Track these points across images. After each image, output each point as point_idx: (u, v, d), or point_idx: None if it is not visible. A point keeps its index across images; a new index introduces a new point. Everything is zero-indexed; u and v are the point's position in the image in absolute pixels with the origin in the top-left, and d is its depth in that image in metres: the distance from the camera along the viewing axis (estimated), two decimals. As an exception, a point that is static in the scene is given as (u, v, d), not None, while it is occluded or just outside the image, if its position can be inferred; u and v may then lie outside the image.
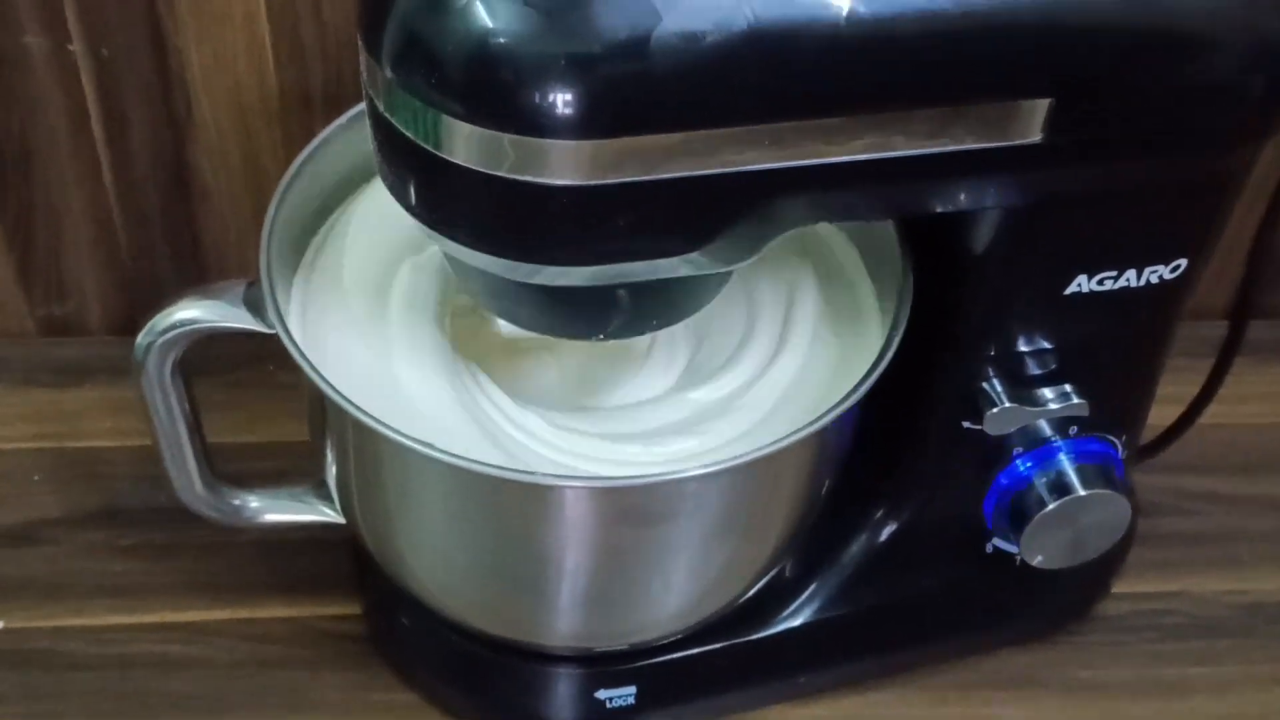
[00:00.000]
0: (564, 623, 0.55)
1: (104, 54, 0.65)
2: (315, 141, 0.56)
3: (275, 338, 0.51)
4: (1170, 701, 0.64)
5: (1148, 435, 0.66)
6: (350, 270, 0.56)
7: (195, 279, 0.75)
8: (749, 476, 0.49)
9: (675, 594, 0.54)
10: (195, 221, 0.73)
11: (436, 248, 0.51)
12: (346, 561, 0.66)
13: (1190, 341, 0.62)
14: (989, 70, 0.43)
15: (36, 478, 0.70)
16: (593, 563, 0.51)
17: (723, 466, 0.47)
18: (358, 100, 0.64)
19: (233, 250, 0.74)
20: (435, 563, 0.54)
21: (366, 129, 0.47)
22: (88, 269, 0.75)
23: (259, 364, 0.75)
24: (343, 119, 0.57)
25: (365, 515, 0.55)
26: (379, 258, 0.57)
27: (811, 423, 0.48)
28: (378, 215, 0.58)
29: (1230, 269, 0.69)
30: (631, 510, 0.49)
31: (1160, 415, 0.65)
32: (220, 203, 0.72)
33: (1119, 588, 0.68)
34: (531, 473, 0.47)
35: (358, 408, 0.48)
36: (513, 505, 0.49)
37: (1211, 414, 0.70)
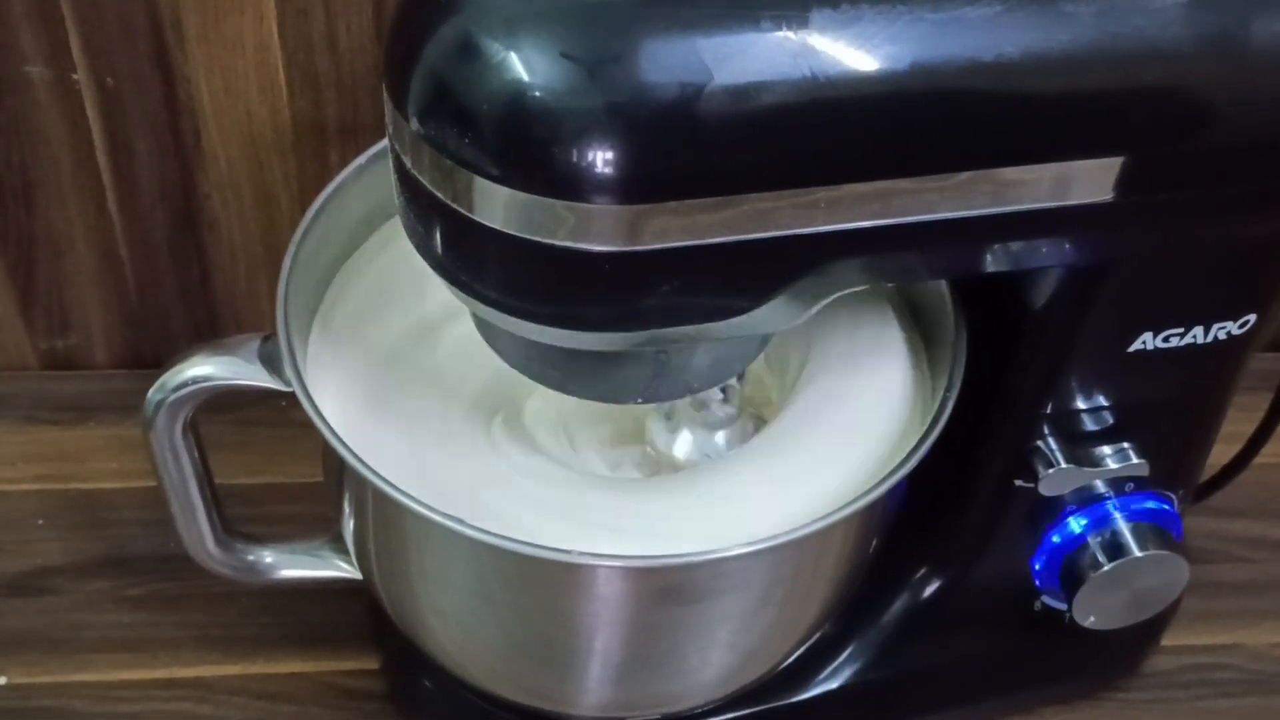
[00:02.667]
0: (594, 694, 0.52)
1: (109, 84, 0.63)
2: (331, 186, 0.53)
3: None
4: (1224, 764, 0.61)
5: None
6: (371, 317, 0.54)
7: (203, 312, 0.72)
8: (793, 554, 0.46)
9: (712, 665, 0.51)
10: (204, 254, 0.70)
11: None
12: (363, 613, 0.64)
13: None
14: (1061, 128, 0.40)
15: (40, 522, 0.68)
16: (626, 639, 0.48)
17: (765, 545, 0.44)
18: (374, 132, 0.62)
19: (243, 284, 0.71)
20: (459, 632, 0.52)
21: (385, 166, 0.44)
22: (92, 302, 0.72)
23: (272, 400, 0.72)
24: (361, 159, 0.54)
25: (384, 579, 0.53)
26: (401, 304, 0.54)
27: (861, 496, 0.45)
28: (400, 258, 0.55)
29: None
30: (667, 588, 0.46)
31: (1212, 454, 0.62)
32: (230, 235, 0.69)
33: (1169, 640, 0.65)
34: (565, 551, 0.44)
35: (380, 476, 0.45)
36: (543, 582, 0.46)
37: (1263, 454, 0.67)
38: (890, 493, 0.46)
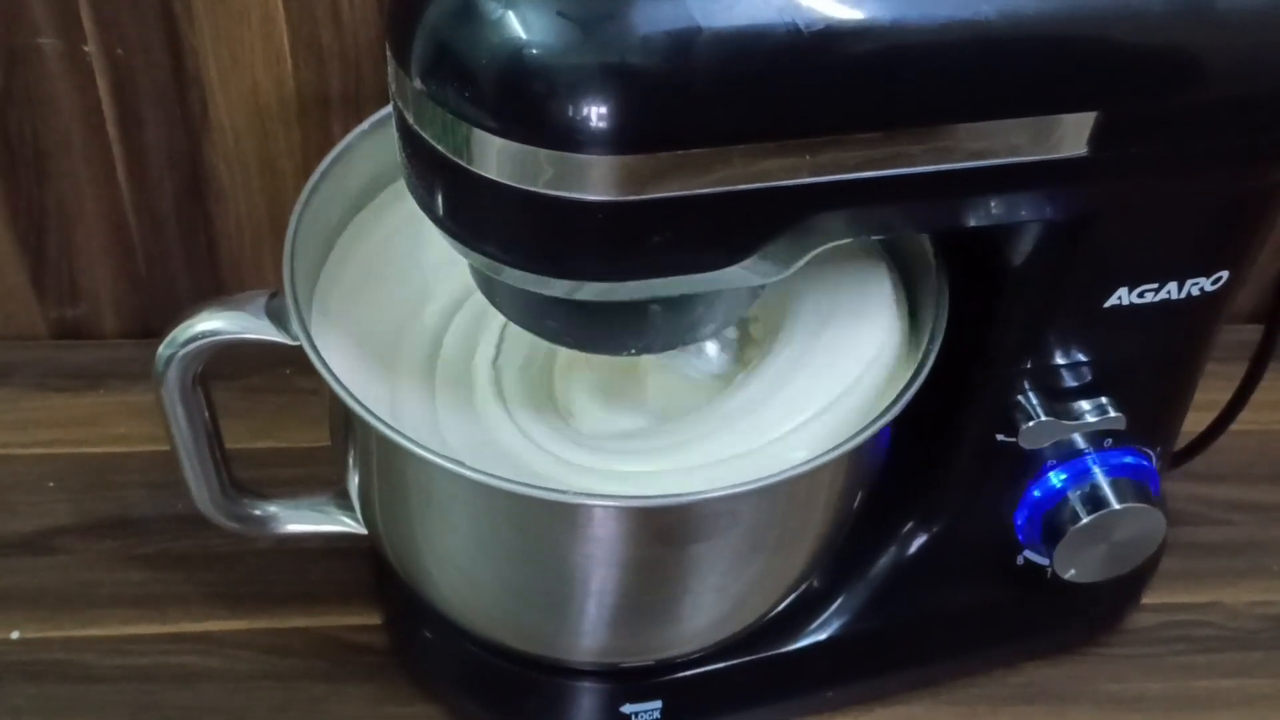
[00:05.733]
0: (590, 639, 0.54)
1: (119, 54, 0.64)
2: (336, 150, 0.55)
3: (296, 347, 0.50)
4: (1201, 715, 0.63)
5: (1177, 442, 0.65)
6: (375, 278, 0.55)
7: (210, 282, 0.74)
8: (781, 495, 0.48)
9: (704, 610, 0.53)
10: (211, 224, 0.72)
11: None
12: (366, 570, 0.65)
13: (1220, 346, 0.61)
14: (1036, 83, 0.42)
15: (50, 484, 0.69)
16: (620, 580, 0.50)
17: (753, 486, 0.46)
18: (376, 103, 0.64)
19: (248, 253, 0.73)
20: (459, 578, 0.53)
21: (388, 133, 0.46)
22: (101, 271, 0.74)
23: (275, 369, 0.74)
24: (364, 125, 0.56)
25: (388, 529, 0.54)
26: (405, 264, 0.56)
27: (848, 440, 0.47)
28: (403, 220, 0.57)
29: (1262, 271, 0.67)
30: (661, 529, 0.48)
31: (1190, 421, 0.64)
32: (236, 205, 0.71)
33: (1149, 599, 0.67)
34: (561, 491, 0.46)
35: (384, 423, 0.47)
36: (540, 523, 0.48)
37: (1241, 421, 0.69)
38: (875, 440, 0.48)
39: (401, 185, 0.57)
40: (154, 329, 0.76)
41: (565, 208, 0.41)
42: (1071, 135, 0.43)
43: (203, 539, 0.66)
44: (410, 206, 0.54)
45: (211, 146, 0.68)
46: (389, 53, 0.43)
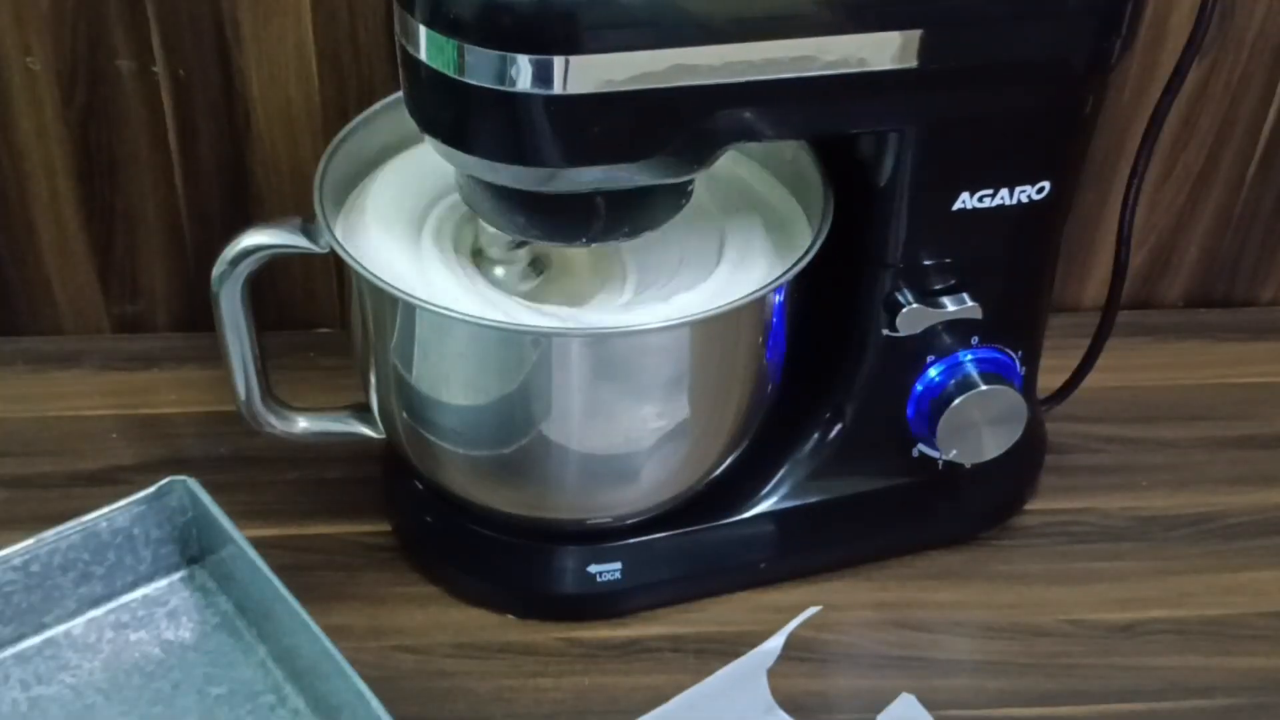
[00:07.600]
0: (558, 490, 0.67)
1: (181, 75, 0.80)
2: (360, 118, 0.70)
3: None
4: (1077, 587, 0.75)
5: (1054, 388, 0.80)
6: (381, 215, 0.69)
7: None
8: (701, 333, 0.62)
9: (652, 459, 0.66)
10: (250, 224, 0.86)
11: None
12: (379, 494, 0.78)
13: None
14: (870, 6, 0.58)
15: (114, 435, 0.83)
16: (581, 415, 0.63)
17: (682, 321, 0.61)
18: (387, 111, 0.79)
19: (281, 251, 0.87)
20: (455, 435, 0.66)
21: (391, 115, 0.64)
22: (158, 270, 0.88)
23: (301, 353, 0.88)
24: (377, 106, 0.71)
25: (401, 397, 0.67)
26: (403, 206, 0.70)
27: (755, 291, 0.62)
28: (401, 180, 0.71)
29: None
30: (605, 357, 0.62)
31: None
32: (270, 206, 0.85)
33: (1034, 506, 0.79)
34: (526, 324, 0.61)
35: (393, 286, 0.61)
36: (512, 354, 0.62)
37: (1116, 379, 0.84)
38: (776, 300, 0.63)
39: (395, 161, 0.73)
40: (200, 324, 0.90)
41: (527, 102, 0.56)
42: (903, 50, 0.59)
43: (242, 472, 0.80)
44: (404, 171, 0.70)
45: (252, 154, 0.83)
46: (396, 5, 0.59)
